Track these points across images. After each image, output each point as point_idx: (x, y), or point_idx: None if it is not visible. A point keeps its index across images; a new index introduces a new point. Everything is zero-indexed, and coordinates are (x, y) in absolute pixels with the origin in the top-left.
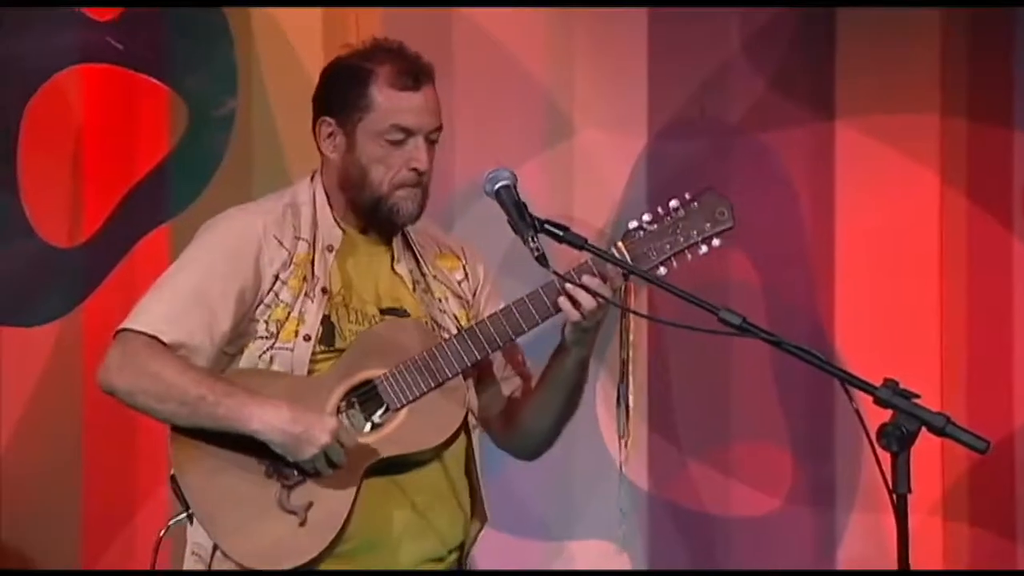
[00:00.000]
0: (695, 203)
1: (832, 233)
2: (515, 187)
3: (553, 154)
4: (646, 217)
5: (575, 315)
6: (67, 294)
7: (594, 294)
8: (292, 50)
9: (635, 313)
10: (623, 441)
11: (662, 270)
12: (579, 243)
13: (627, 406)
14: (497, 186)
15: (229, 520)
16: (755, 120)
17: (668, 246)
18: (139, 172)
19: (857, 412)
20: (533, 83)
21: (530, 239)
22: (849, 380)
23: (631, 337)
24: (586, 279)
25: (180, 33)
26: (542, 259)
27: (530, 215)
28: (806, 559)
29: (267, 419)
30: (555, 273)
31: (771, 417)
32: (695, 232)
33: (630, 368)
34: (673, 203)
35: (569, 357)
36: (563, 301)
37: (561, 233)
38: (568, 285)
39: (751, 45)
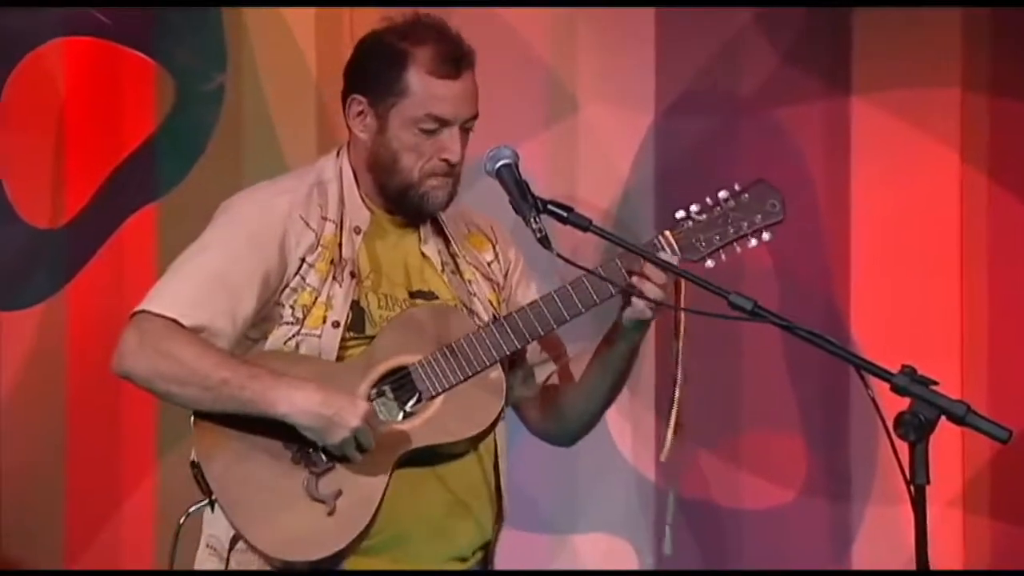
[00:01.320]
0: (745, 194)
1: (848, 214)
2: (516, 166)
3: (556, 131)
4: (694, 207)
5: (647, 314)
6: (50, 277)
7: (639, 297)
8: (284, 22)
9: (649, 300)
10: (668, 441)
11: (709, 262)
12: (583, 224)
13: (679, 408)
14: (498, 165)
15: (254, 508)
16: (768, 95)
17: (717, 237)
18: (125, 150)
19: (873, 400)
20: (534, 57)
21: (532, 220)
22: (865, 367)
23: (683, 329)
24: (650, 270)
25: (167, 5)
26: (544, 241)
27: (532, 195)
28: (821, 553)
29: (295, 401)
30: (593, 273)
31: (784, 406)
32: (745, 224)
33: (679, 360)
34: (722, 193)
35: (624, 343)
36: (635, 300)
37: (565, 214)
38: (635, 279)
39: (764, 16)
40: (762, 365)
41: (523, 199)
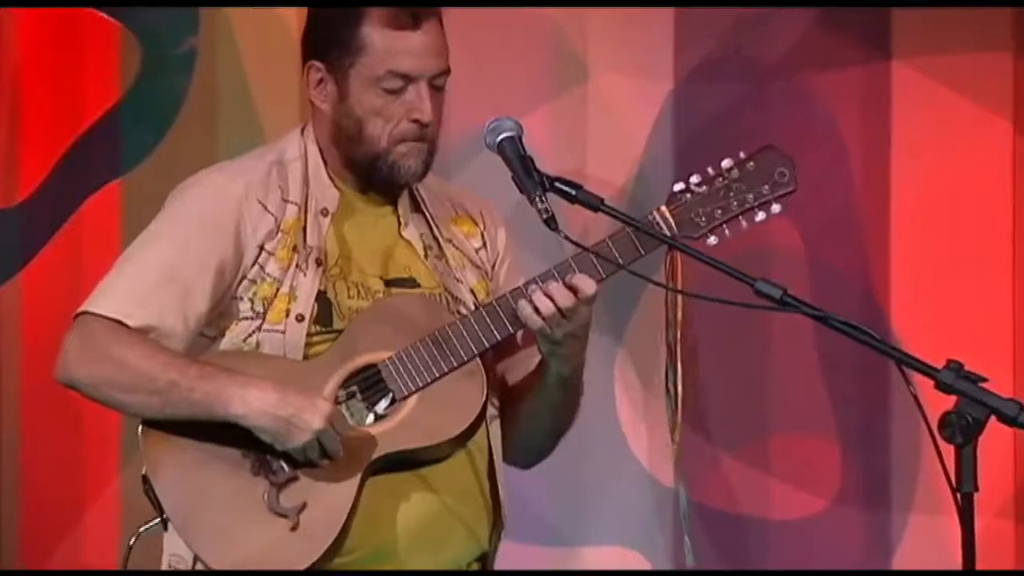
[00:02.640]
0: (751, 162)
1: (887, 191)
2: (520, 139)
3: (564, 101)
4: (694, 179)
5: (535, 321)
6: (2, 262)
7: (552, 311)
8: None
9: (663, 286)
10: (673, 438)
11: (712, 239)
12: (594, 204)
13: (676, 396)
14: (499, 138)
15: (209, 525)
16: (798, 61)
17: (720, 212)
18: (85, 121)
19: (916, 398)
20: (540, 19)
21: (538, 199)
22: (906, 361)
23: (679, 315)
24: (553, 287)
25: None
26: (551, 222)
27: (538, 171)
28: (857, 566)
29: (250, 401)
30: (584, 247)
31: (816, 405)
32: (752, 196)
33: (678, 351)
34: (726, 163)
35: (548, 371)
36: (523, 305)
37: (573, 192)
38: (531, 288)
39: None
40: (792, 360)
41: (527, 176)
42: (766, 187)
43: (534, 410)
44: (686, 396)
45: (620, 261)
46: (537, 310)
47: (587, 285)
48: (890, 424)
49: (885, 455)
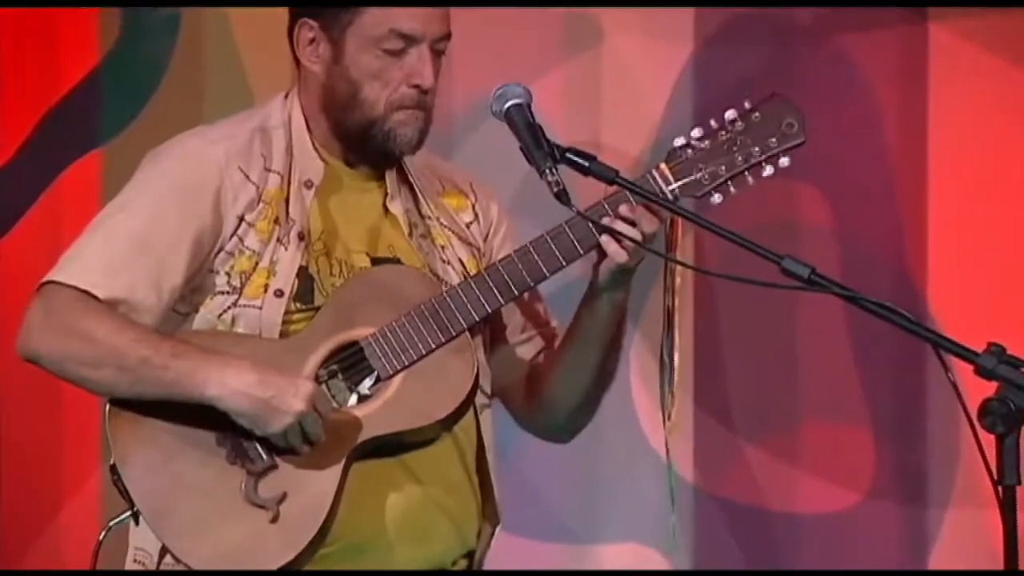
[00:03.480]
0: (756, 113)
1: (924, 162)
2: (529, 106)
3: (576, 65)
4: (696, 132)
5: (621, 255)
6: None
7: (625, 238)
8: None
9: (678, 262)
10: (666, 414)
11: (716, 197)
12: (608, 176)
13: (671, 367)
14: (507, 105)
15: (182, 518)
16: (829, 21)
17: (724, 168)
18: (62, 87)
19: (954, 385)
20: None
21: (548, 171)
22: (944, 345)
23: (677, 280)
24: (624, 210)
25: None
26: (562, 195)
27: (548, 141)
28: (891, 565)
29: (227, 383)
30: (580, 213)
31: (847, 392)
32: (757, 149)
33: (676, 319)
34: (729, 114)
35: (602, 302)
36: (606, 240)
37: (587, 164)
38: (607, 220)
39: None
40: (821, 343)
41: (537, 146)
42: (773, 139)
43: (577, 362)
44: (683, 374)
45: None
46: (615, 235)
47: (649, 221)
48: (927, 412)
49: (921, 445)
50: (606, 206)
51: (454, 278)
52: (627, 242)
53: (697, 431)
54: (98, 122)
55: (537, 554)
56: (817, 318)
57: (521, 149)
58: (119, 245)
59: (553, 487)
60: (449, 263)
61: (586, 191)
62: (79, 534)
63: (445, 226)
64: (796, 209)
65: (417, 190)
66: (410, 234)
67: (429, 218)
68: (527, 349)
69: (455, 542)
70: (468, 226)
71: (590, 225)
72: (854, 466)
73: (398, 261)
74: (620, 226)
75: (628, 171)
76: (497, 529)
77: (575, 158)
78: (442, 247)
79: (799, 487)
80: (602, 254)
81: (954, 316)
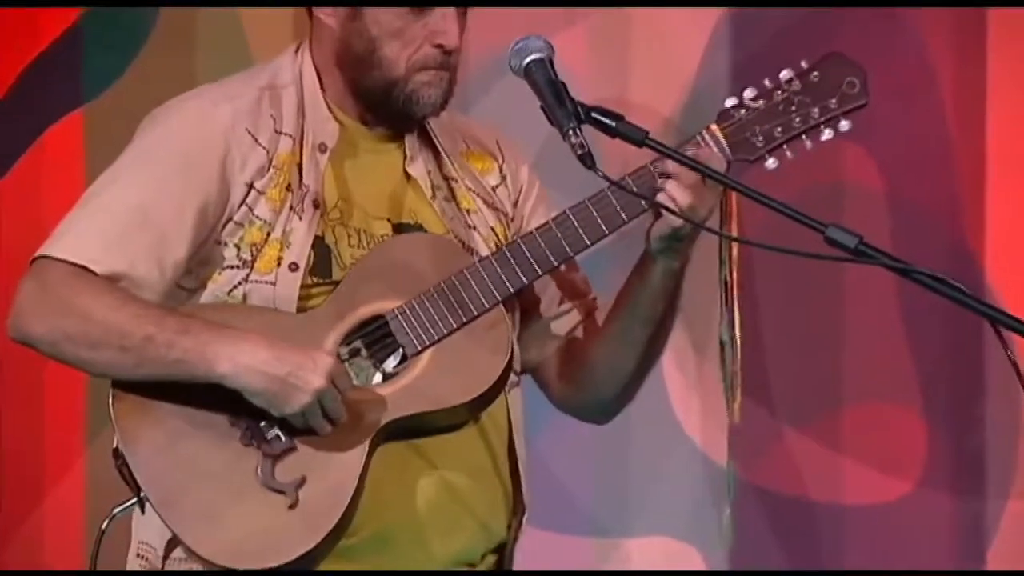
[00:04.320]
0: (815, 72)
1: (982, 124)
2: (551, 62)
3: (603, 17)
4: (749, 93)
5: (678, 219)
6: None
7: (672, 207)
8: None
9: (716, 233)
10: (731, 399)
11: (771, 161)
12: (638, 138)
13: (735, 352)
14: (527, 61)
15: (193, 504)
16: None
17: (780, 130)
18: (41, 42)
19: (1014, 364)
20: None
21: (571, 132)
22: (1003, 320)
23: (734, 252)
24: (679, 170)
25: None
26: (587, 158)
27: (571, 99)
28: (944, 560)
29: (239, 359)
30: (616, 185)
31: (898, 372)
32: (816, 111)
33: (735, 296)
34: (785, 73)
35: (657, 271)
36: (663, 197)
37: (614, 124)
38: (665, 169)
39: None
40: (869, 320)
41: (559, 105)
42: (833, 100)
43: (626, 336)
44: (744, 349)
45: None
46: (672, 197)
47: (718, 158)
48: (984, 394)
49: (979, 430)
50: (652, 169)
51: (480, 245)
52: (678, 200)
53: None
54: (80, 80)
55: (562, 548)
56: (865, 292)
57: (542, 108)
58: (117, 217)
59: (579, 477)
60: (475, 228)
61: (614, 153)
62: (62, 524)
63: (470, 189)
64: (843, 173)
65: (440, 149)
66: (432, 197)
67: (453, 180)
68: (563, 323)
69: (481, 535)
70: (495, 190)
71: (645, 185)
72: (904, 453)
73: (421, 228)
74: (672, 187)
75: (659, 133)
76: (524, 519)
77: (601, 118)
78: (468, 211)
79: (844, 476)
80: (656, 216)
81: (1014, 289)
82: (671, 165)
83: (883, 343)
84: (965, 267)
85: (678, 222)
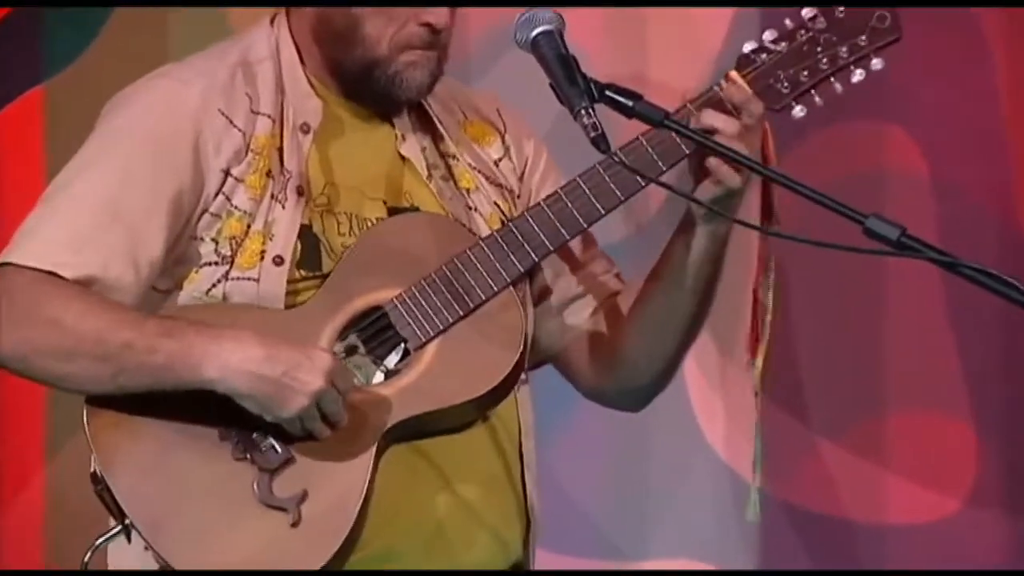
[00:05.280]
0: (841, 8)
1: None
2: (561, 35)
3: None
4: (769, 35)
5: (734, 178)
6: None
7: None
8: None
9: (743, 224)
10: (754, 365)
11: (798, 109)
12: (657, 118)
13: (767, 309)
14: (535, 33)
15: (186, 528)
16: None
17: (806, 73)
18: None
19: None
20: None
21: (583, 112)
22: None
23: (775, 201)
24: (710, 116)
25: None
26: (600, 140)
27: (583, 76)
28: None
29: (227, 360)
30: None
31: (944, 377)
32: (845, 49)
33: (771, 281)
34: (808, 11)
35: (701, 237)
36: (715, 163)
37: (630, 103)
38: (703, 123)
39: None
40: (912, 320)
41: (570, 82)
42: (863, 37)
43: (665, 311)
44: (774, 316)
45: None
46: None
47: (755, 102)
48: None
49: None
50: (691, 108)
51: (483, 227)
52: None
53: (762, 423)
54: (40, 54)
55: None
56: (908, 288)
57: (551, 86)
58: (85, 214)
59: (589, 491)
60: (476, 209)
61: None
62: (20, 540)
63: (471, 166)
64: (884, 159)
65: (437, 125)
66: (428, 177)
67: (451, 157)
68: (585, 303)
69: (497, 550)
70: (497, 164)
71: (664, 146)
72: (952, 467)
73: (416, 210)
74: (713, 117)
75: (680, 114)
76: (532, 534)
77: (616, 97)
78: (468, 191)
79: (885, 492)
80: (702, 175)
81: None
82: (708, 117)
83: (928, 344)
84: (1018, 260)
85: (734, 179)
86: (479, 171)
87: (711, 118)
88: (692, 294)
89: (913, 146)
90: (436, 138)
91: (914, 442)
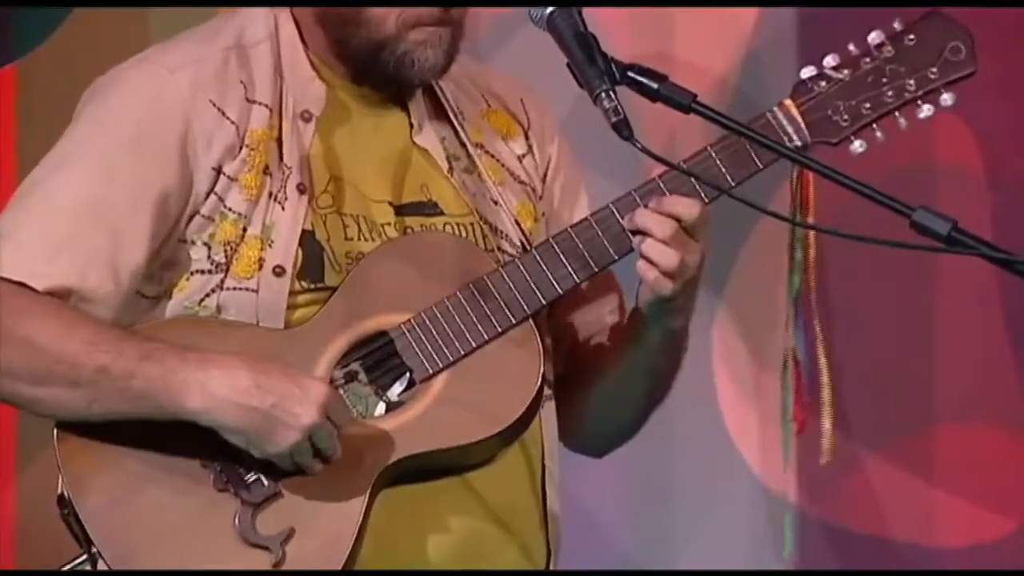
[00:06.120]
0: (910, 35)
1: None
2: (579, 12)
3: None
4: (830, 60)
5: (663, 286)
6: None
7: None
8: None
9: (787, 220)
10: (825, 443)
11: (857, 144)
12: (684, 102)
13: (816, 371)
14: (551, 9)
15: (158, 564)
16: None
17: (869, 106)
18: None
19: None
20: None
21: (604, 95)
22: None
23: (811, 253)
24: (643, 219)
25: None
26: (622, 125)
27: (604, 56)
28: None
29: (213, 390)
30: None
31: (999, 386)
32: (913, 82)
33: (813, 297)
34: (875, 37)
35: (652, 332)
36: (643, 267)
37: (655, 86)
38: (635, 224)
39: None
40: (964, 323)
41: (589, 62)
42: (933, 69)
43: (624, 375)
44: (831, 373)
45: (728, 181)
46: (650, 261)
47: (688, 208)
48: None
49: None
50: (636, 197)
51: (508, 225)
52: (657, 262)
53: (798, 438)
54: (10, 32)
55: None
56: (961, 289)
57: (568, 66)
58: (61, 217)
59: (611, 509)
60: (500, 206)
61: (656, 121)
62: None
63: (493, 156)
64: (935, 150)
65: (453, 111)
66: (450, 170)
67: (474, 146)
68: (590, 329)
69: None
70: (521, 159)
71: (693, 180)
72: (1007, 484)
73: (435, 207)
74: (648, 246)
75: (710, 96)
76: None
77: (640, 78)
78: (491, 184)
79: (934, 512)
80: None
81: None
82: (640, 218)
83: (982, 350)
84: None
85: (665, 287)
86: (501, 163)
87: (644, 219)
88: (646, 379)
89: (967, 135)
90: (454, 125)
91: (966, 457)
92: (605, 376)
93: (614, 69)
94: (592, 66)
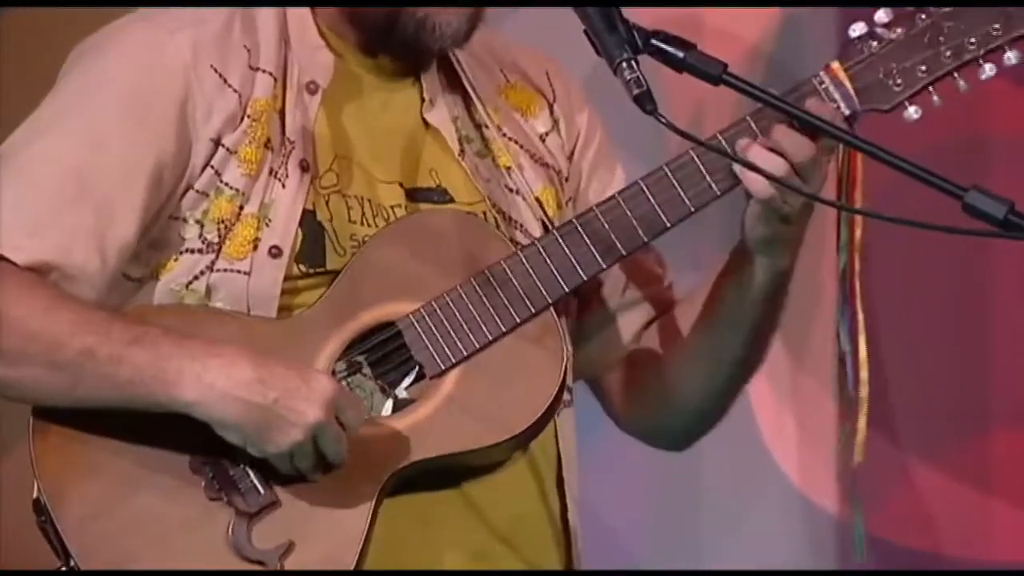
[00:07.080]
0: None
1: None
2: None
3: None
4: (881, 16)
5: (764, 190)
6: None
7: (763, 173)
8: None
9: (831, 204)
10: (853, 441)
11: (912, 110)
12: (714, 73)
13: (857, 369)
14: None
15: None
16: None
17: (924, 68)
18: None
19: None
20: None
21: (625, 65)
22: None
23: (857, 233)
24: (779, 130)
25: None
26: (644, 98)
27: (626, 23)
28: None
29: (210, 381)
30: (702, 144)
31: None
32: (972, 41)
33: (857, 288)
34: None
35: (757, 270)
36: (741, 170)
37: (682, 55)
38: (742, 145)
39: None
40: (1023, 317)
41: (609, 30)
42: (996, 25)
43: (714, 347)
44: (871, 367)
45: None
46: (762, 173)
47: (833, 110)
48: None
49: None
50: (750, 123)
51: (525, 213)
52: (771, 170)
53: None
54: None
55: None
56: (1017, 278)
57: (586, 33)
58: (44, 189)
59: (640, 522)
60: (517, 192)
61: (682, 93)
62: None
63: (511, 139)
64: (989, 123)
65: (469, 86)
66: (461, 153)
67: (488, 127)
68: (632, 318)
69: None
70: (544, 139)
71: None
72: None
73: (445, 193)
74: (756, 152)
75: (742, 65)
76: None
77: (665, 47)
78: (507, 169)
79: (992, 524)
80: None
81: None
82: (777, 121)
83: None
84: None
85: (779, 202)
86: (522, 146)
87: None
88: (746, 335)
89: (1022, 107)
90: (469, 105)
91: None
92: (692, 344)
93: (636, 37)
94: (612, 33)
